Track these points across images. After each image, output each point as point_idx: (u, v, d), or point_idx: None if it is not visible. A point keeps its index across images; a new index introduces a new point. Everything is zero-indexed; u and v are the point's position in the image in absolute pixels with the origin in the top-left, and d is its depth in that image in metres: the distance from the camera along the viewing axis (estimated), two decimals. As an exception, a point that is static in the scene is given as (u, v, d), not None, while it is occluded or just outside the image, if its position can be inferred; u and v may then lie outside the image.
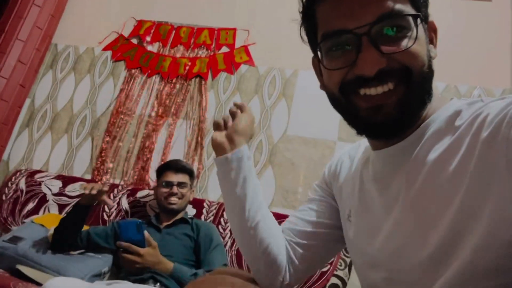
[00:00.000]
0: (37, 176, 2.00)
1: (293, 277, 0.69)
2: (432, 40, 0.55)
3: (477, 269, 0.44)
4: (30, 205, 1.91)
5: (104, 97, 2.23)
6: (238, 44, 2.19)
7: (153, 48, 2.28)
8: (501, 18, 1.96)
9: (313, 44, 0.59)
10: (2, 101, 2.08)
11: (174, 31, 2.28)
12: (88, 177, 2.07)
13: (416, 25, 0.50)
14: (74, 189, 1.95)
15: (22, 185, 1.97)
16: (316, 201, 0.75)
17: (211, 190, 1.96)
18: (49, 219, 1.73)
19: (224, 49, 2.20)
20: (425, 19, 0.54)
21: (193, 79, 2.16)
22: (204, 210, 1.83)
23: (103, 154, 2.09)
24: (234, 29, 2.21)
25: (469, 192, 0.45)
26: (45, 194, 1.94)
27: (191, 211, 1.83)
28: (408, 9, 0.50)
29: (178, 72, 2.18)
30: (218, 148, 0.71)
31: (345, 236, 0.68)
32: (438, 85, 1.92)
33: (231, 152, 0.69)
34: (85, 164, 2.11)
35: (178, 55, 2.22)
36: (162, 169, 1.73)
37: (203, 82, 2.14)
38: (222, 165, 0.70)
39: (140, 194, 1.89)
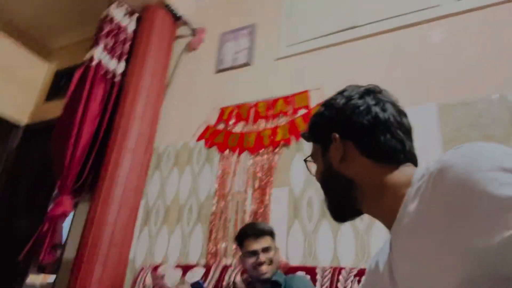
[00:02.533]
0: (160, 269, 2.16)
1: None
2: (339, 149, 0.70)
3: None
4: (157, 298, 2.03)
5: (204, 183, 2.40)
6: (313, 103, 2.23)
7: (237, 128, 2.44)
8: None
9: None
10: (122, 207, 2.37)
11: (253, 109, 2.42)
12: (203, 261, 2.16)
13: (315, 155, 0.77)
14: (193, 276, 2.04)
15: (148, 280, 2.13)
16: None
17: (320, 254, 1.88)
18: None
19: (301, 112, 2.25)
20: (323, 144, 0.74)
21: (279, 148, 2.22)
22: (318, 277, 1.74)
23: (211, 237, 2.19)
24: (307, 91, 2.27)
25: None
26: (168, 285, 2.06)
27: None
28: (312, 149, 0.79)
29: (264, 143, 2.26)
30: None
31: None
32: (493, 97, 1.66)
33: None
34: (198, 250, 2.22)
35: (260, 129, 2.33)
36: (241, 238, 1.65)
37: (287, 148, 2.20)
38: None
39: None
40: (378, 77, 2.07)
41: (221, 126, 2.52)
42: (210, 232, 2.21)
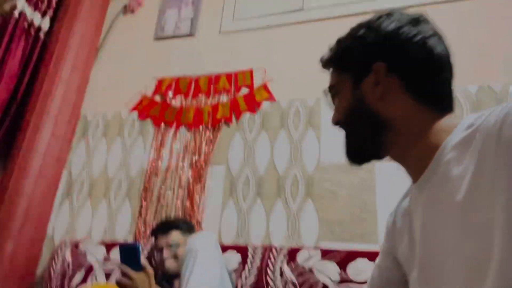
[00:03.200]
0: (81, 245, 2.02)
1: None
2: (378, 82, 0.60)
3: None
4: (78, 276, 1.91)
5: (136, 157, 2.27)
6: (256, 83, 2.20)
7: (176, 102, 2.33)
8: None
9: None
10: (41, 177, 2.15)
11: (193, 83, 2.33)
12: (130, 239, 2.07)
13: (341, 87, 0.66)
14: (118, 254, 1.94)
15: (68, 257, 1.98)
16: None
17: (253, 233, 1.90)
18: (98, 287, 1.72)
19: (244, 91, 2.22)
20: (357, 72, 0.63)
21: (219, 125, 2.17)
22: (249, 255, 1.77)
23: (142, 214, 2.10)
24: (251, 70, 2.24)
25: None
26: (91, 263, 1.94)
27: (236, 257, 1.76)
28: (334, 79, 0.68)
29: (203, 120, 2.20)
30: None
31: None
32: (470, 88, 1.82)
33: None
34: (126, 227, 2.12)
35: (200, 105, 2.26)
36: (152, 234, 1.67)
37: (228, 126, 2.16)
38: None
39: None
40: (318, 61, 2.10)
41: (158, 98, 2.39)
42: (141, 208, 2.12)
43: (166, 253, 1.57)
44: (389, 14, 0.62)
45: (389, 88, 0.59)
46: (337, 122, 0.68)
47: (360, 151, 0.65)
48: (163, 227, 1.64)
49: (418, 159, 0.57)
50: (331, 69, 0.70)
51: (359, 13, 2.15)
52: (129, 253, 1.32)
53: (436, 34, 0.60)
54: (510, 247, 0.41)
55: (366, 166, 1.83)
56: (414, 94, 0.58)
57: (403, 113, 0.58)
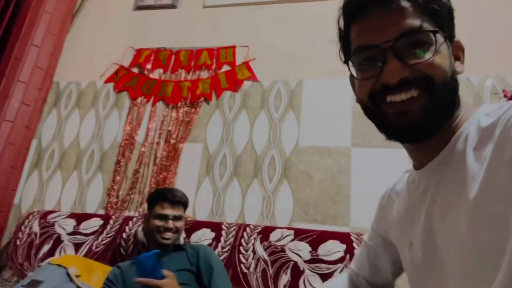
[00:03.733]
0: (50, 216, 1.96)
1: None
2: (458, 57, 0.60)
3: None
4: (46, 248, 1.86)
5: (110, 129, 2.21)
6: (238, 61, 2.17)
7: (154, 75, 2.27)
8: (500, 3, 1.91)
9: (348, 60, 0.63)
10: (9, 145, 2.06)
11: (173, 56, 2.27)
12: (102, 212, 2.03)
13: (436, 40, 0.55)
14: (88, 226, 1.90)
15: (36, 227, 1.93)
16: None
17: (228, 212, 1.90)
18: (66, 259, 1.69)
19: (226, 68, 2.18)
20: (449, 37, 0.59)
21: (198, 102, 2.13)
22: (223, 233, 1.77)
23: (114, 187, 2.06)
24: (233, 47, 2.19)
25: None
26: (59, 235, 1.89)
27: (209, 234, 1.77)
28: (427, 25, 0.56)
29: (182, 96, 2.15)
30: None
31: (404, 265, 0.69)
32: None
33: None
34: (97, 200, 2.07)
35: (180, 79, 2.20)
36: (157, 199, 1.62)
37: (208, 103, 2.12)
38: None
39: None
40: (309, 42, 2.09)
41: (135, 70, 2.31)
42: (113, 181, 2.07)
43: (171, 224, 1.57)
44: None
45: (456, 65, 0.60)
46: (425, 77, 0.55)
47: (437, 122, 0.57)
48: (174, 199, 1.61)
49: (438, 140, 0.57)
50: (423, 18, 0.57)
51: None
52: (150, 262, 1.29)
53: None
54: None
55: (344, 150, 1.86)
56: (460, 60, 0.62)
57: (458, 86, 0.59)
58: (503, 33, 1.88)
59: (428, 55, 0.54)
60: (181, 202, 1.64)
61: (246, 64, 2.14)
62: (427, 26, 0.55)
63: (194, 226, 1.82)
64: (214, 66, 2.19)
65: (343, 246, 1.61)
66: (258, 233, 1.74)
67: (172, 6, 2.41)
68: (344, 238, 1.64)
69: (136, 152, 2.12)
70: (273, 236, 1.71)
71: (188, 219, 1.84)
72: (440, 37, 0.56)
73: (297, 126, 1.97)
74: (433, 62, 0.54)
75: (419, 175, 0.62)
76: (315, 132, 1.93)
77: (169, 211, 1.58)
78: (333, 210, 1.79)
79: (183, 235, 1.78)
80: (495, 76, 1.82)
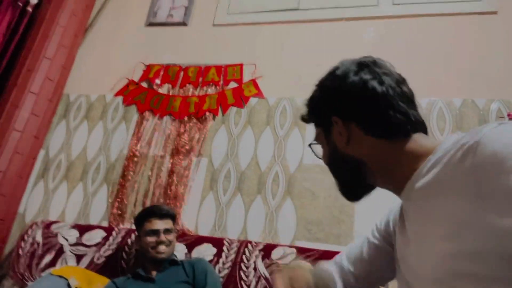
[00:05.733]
0: (53, 227, 1.97)
1: None
2: (338, 131, 0.68)
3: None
4: (48, 258, 1.86)
5: (117, 142, 2.23)
6: (245, 78, 2.20)
7: (163, 90, 2.30)
8: (508, 28, 1.93)
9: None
10: (17, 154, 2.09)
11: (182, 72, 2.31)
12: (105, 224, 2.04)
13: (319, 138, 0.74)
14: (91, 237, 1.91)
15: (39, 237, 1.93)
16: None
17: (230, 227, 1.90)
18: (68, 270, 1.68)
19: (233, 85, 2.21)
20: (324, 128, 0.72)
21: (205, 117, 2.16)
22: (224, 248, 1.76)
23: (118, 200, 2.07)
24: (241, 64, 2.23)
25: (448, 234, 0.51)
26: (62, 245, 1.90)
27: (211, 250, 1.76)
28: (315, 131, 0.75)
29: (189, 111, 2.18)
30: None
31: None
32: (454, 101, 1.87)
33: None
34: (101, 212, 2.08)
35: (188, 95, 2.24)
36: (145, 216, 1.64)
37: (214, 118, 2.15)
38: None
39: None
40: (314, 61, 2.11)
41: (145, 84, 2.36)
42: (117, 194, 2.08)
43: (163, 237, 1.59)
44: (335, 69, 0.71)
45: (351, 133, 0.67)
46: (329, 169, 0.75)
47: (349, 187, 0.72)
48: (161, 212, 1.64)
49: (404, 182, 0.62)
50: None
51: (354, 18, 2.17)
52: None
53: (377, 75, 0.66)
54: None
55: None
56: (372, 133, 0.65)
57: (369, 150, 0.65)
58: (510, 56, 1.89)
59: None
60: (169, 214, 1.66)
61: (253, 82, 2.17)
62: (315, 133, 0.76)
63: (196, 241, 1.81)
64: (221, 82, 2.22)
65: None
66: (260, 250, 1.73)
67: (183, 24, 2.46)
68: (346, 258, 1.62)
69: (141, 165, 2.13)
70: (275, 254, 1.70)
71: (178, 230, 1.85)
72: (318, 136, 0.74)
73: (302, 143, 1.98)
74: (322, 155, 0.75)
75: (401, 198, 0.67)
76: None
77: (159, 225, 1.60)
78: (337, 229, 1.78)
79: (184, 250, 1.78)
80: (500, 100, 1.82)
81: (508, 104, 1.81)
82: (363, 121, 0.65)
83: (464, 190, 0.49)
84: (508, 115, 1.77)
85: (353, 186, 0.71)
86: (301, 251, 1.68)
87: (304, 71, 2.12)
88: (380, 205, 1.67)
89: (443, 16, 2.04)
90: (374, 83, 0.64)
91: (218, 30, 2.41)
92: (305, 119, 0.78)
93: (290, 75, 2.13)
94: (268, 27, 2.31)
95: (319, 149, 0.76)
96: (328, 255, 1.63)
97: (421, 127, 0.66)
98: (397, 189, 0.64)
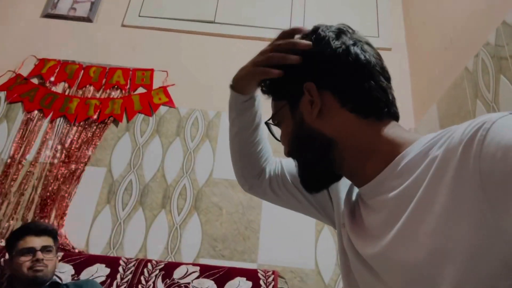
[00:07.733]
0: None
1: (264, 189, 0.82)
2: (310, 101, 0.58)
3: None
4: None
5: (-6, 144, 1.90)
6: (156, 85, 2.08)
7: (57, 88, 2.05)
8: (401, 64, 2.17)
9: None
10: None
11: (82, 71, 2.08)
12: (-31, 241, 1.68)
13: (280, 115, 0.63)
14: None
15: None
16: None
17: (128, 245, 1.72)
18: None
19: (141, 90, 2.07)
20: (291, 98, 0.61)
21: (106, 122, 1.96)
22: (120, 269, 1.59)
23: (-9, 212, 1.74)
24: (152, 70, 2.10)
25: (437, 230, 0.43)
26: None
27: (103, 270, 1.57)
28: (273, 108, 0.66)
29: (88, 114, 1.96)
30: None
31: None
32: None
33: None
34: (-35, 226, 1.72)
35: (87, 96, 2.02)
36: (17, 236, 1.41)
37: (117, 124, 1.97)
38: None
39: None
40: (228, 76, 2.08)
41: (35, 80, 2.06)
42: (-10, 205, 1.75)
43: (40, 255, 1.35)
44: (314, 31, 0.61)
45: (324, 105, 0.57)
46: (288, 153, 0.65)
47: (313, 173, 0.61)
48: (38, 228, 1.42)
49: (374, 175, 0.54)
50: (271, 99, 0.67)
51: (267, 39, 2.22)
52: None
53: (359, 41, 0.59)
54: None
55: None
56: (350, 106, 0.56)
57: (343, 127, 0.56)
58: (405, 89, 2.12)
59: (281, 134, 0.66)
60: (48, 231, 1.44)
61: (163, 89, 2.06)
62: (272, 110, 0.67)
63: (86, 261, 1.60)
64: (128, 86, 2.06)
65: (250, 284, 1.56)
66: (161, 270, 1.60)
67: (87, 20, 2.24)
68: (251, 275, 1.59)
69: (23, 172, 1.84)
70: (177, 273, 1.59)
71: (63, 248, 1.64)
72: (279, 113, 0.64)
73: (212, 157, 1.92)
74: (282, 137, 0.66)
75: (362, 194, 0.60)
76: (230, 164, 1.89)
77: (35, 243, 1.38)
78: (242, 245, 1.74)
79: (71, 271, 1.56)
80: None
81: None
82: (341, 90, 0.57)
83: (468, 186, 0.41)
84: None
85: (317, 171, 0.61)
86: (205, 269, 1.60)
87: (217, 84, 2.08)
88: (284, 222, 1.71)
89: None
90: (357, 50, 0.57)
91: (127, 31, 2.25)
92: (265, 90, 0.67)
93: (204, 87, 2.08)
94: (182, 36, 2.23)
95: (277, 129, 0.66)
96: (232, 272, 1.59)
97: (396, 114, 0.59)
98: (362, 181, 0.56)
